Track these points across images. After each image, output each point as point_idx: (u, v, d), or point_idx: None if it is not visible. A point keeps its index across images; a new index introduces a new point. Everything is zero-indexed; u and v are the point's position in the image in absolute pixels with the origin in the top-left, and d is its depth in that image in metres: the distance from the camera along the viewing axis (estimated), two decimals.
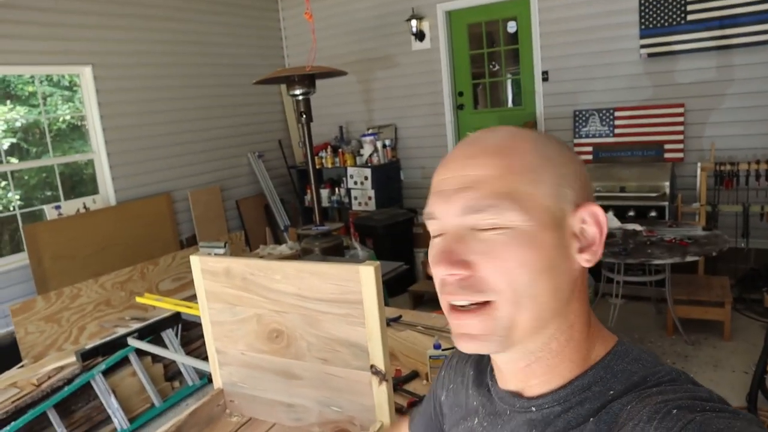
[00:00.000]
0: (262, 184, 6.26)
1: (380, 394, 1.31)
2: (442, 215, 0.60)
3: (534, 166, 0.58)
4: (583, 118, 5.06)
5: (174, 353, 3.24)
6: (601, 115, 4.97)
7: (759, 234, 4.26)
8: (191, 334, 3.89)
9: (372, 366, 1.30)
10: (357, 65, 6.10)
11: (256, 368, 1.48)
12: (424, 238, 5.90)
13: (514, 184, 0.56)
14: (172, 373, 3.77)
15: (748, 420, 0.47)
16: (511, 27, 5.53)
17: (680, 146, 4.66)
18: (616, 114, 4.91)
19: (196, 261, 1.49)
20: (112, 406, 3.23)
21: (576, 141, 5.08)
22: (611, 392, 0.56)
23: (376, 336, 1.28)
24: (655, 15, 4.59)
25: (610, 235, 3.56)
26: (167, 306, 2.83)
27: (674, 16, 4.52)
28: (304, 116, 4.41)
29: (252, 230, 6.07)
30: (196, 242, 5.34)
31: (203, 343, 3.90)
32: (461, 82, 5.90)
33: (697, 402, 0.50)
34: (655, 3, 4.58)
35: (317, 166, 5.61)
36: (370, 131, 6.14)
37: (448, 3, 5.62)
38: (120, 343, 3.21)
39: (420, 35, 5.77)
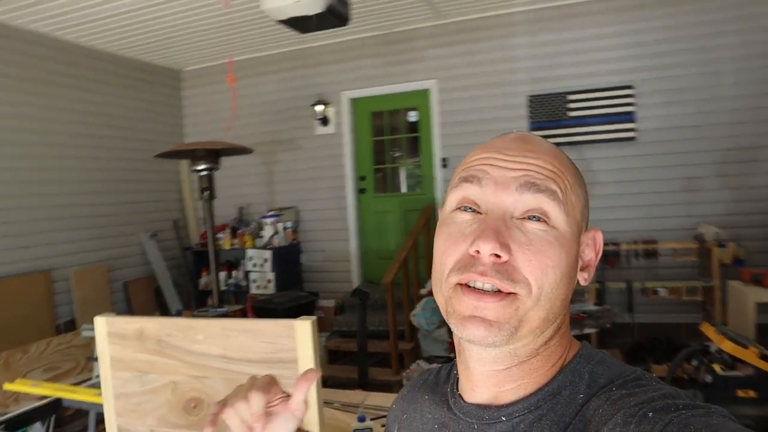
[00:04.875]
0: (153, 266, 5.87)
1: None
2: (495, 181, 0.58)
3: (578, 182, 0.63)
4: None
5: None
6: None
7: (642, 309, 4.59)
8: (67, 430, 3.41)
9: None
10: (260, 146, 6.10)
11: None
12: (326, 323, 5.74)
13: (566, 190, 0.60)
14: None
15: (722, 415, 0.48)
16: (412, 116, 5.85)
17: None
18: None
19: (101, 322, 1.31)
20: None
21: None
22: (581, 396, 0.57)
23: (311, 400, 1.18)
24: (541, 110, 5.08)
25: None
26: (45, 392, 2.46)
27: (557, 112, 5.03)
28: (207, 192, 4.26)
29: (140, 315, 5.60)
30: (75, 327, 4.81)
31: None
32: (363, 166, 6.06)
33: (670, 402, 0.50)
34: (540, 100, 5.07)
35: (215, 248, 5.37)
36: (271, 213, 6.05)
37: (352, 91, 5.86)
38: None
39: (324, 120, 5.92)
